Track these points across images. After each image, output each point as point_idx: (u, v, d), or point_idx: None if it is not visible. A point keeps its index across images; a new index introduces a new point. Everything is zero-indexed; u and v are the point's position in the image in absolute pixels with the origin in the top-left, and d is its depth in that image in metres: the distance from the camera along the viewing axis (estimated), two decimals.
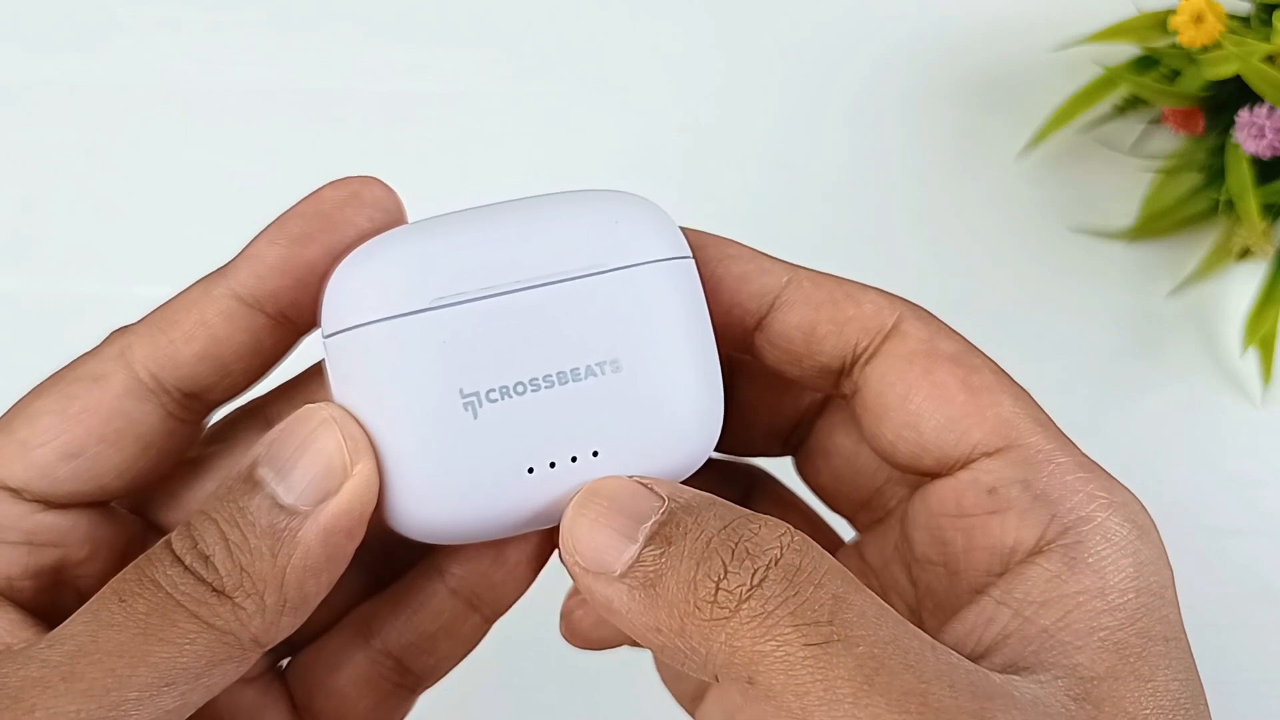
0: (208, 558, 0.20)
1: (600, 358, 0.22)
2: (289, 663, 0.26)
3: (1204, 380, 0.42)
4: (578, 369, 0.22)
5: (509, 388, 0.21)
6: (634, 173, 0.44)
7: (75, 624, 0.20)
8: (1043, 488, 0.22)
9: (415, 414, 0.21)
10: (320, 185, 0.23)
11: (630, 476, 0.22)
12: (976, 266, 0.43)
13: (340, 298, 0.22)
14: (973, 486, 0.22)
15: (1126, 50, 0.42)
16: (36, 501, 0.23)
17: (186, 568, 0.20)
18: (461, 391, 0.21)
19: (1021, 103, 0.43)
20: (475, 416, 0.21)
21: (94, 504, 0.23)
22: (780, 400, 0.27)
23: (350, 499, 0.21)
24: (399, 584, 0.26)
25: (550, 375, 0.22)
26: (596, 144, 0.44)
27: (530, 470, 0.22)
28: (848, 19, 0.45)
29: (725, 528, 0.20)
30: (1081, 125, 0.43)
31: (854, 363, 0.24)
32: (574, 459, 0.22)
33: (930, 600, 0.24)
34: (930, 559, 0.24)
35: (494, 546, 0.25)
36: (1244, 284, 0.42)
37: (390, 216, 0.24)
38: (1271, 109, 0.38)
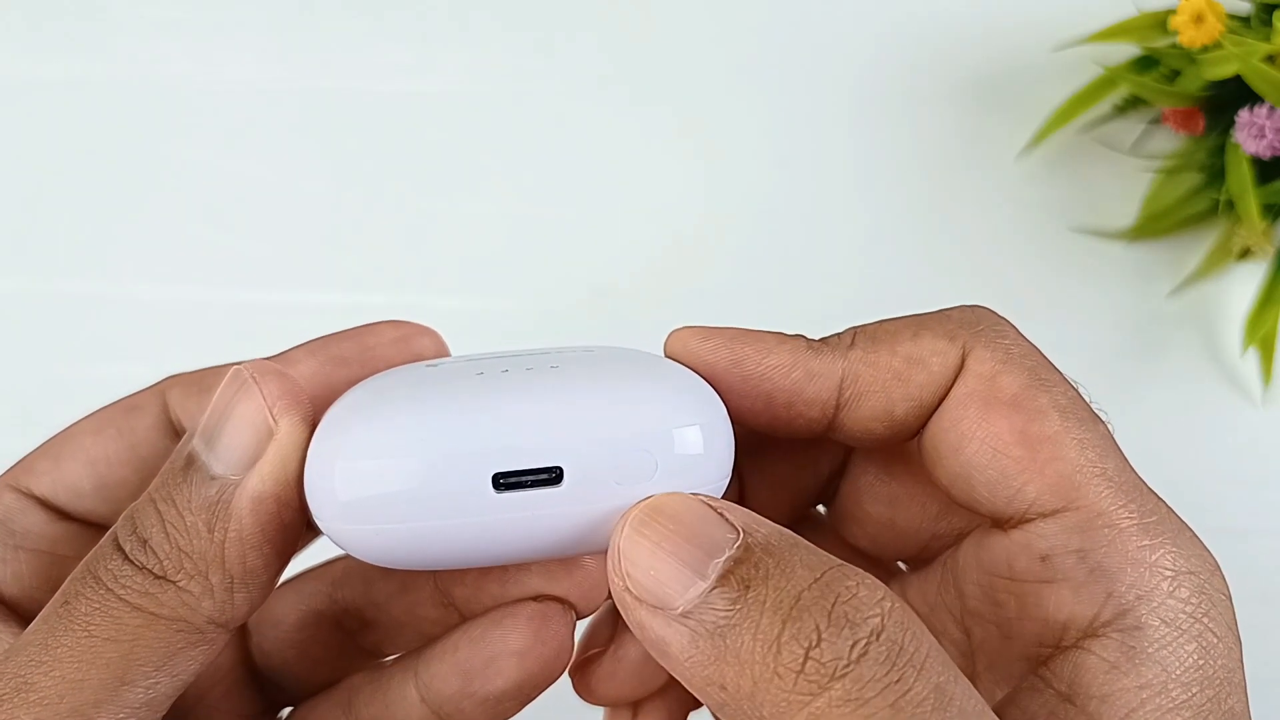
0: (146, 541, 0.19)
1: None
2: (288, 715, 0.26)
3: (1204, 380, 0.42)
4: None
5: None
6: (634, 172, 0.44)
7: (30, 633, 0.20)
8: (1099, 559, 0.20)
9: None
10: (380, 321, 0.23)
11: (696, 495, 0.19)
12: (976, 266, 0.43)
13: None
14: (1025, 550, 0.20)
15: (1126, 50, 0.42)
16: (61, 513, 0.23)
17: (127, 557, 0.19)
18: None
19: (1021, 103, 0.43)
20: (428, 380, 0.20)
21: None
22: (799, 476, 0.25)
23: (273, 461, 0.19)
24: (383, 668, 0.25)
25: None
26: (596, 143, 0.44)
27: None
28: (848, 19, 0.45)
29: (817, 581, 0.17)
30: (1081, 125, 0.43)
31: (931, 413, 0.22)
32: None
33: (984, 657, 0.22)
34: (983, 615, 0.22)
35: (468, 670, 0.23)
36: (1244, 284, 0.42)
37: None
38: (1271, 109, 0.38)
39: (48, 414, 0.24)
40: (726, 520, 0.18)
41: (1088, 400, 0.21)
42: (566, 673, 0.25)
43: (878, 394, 0.21)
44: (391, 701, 0.23)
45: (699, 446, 0.20)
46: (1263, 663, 0.36)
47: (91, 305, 0.42)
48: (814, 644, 0.17)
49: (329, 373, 0.23)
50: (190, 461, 0.20)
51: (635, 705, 0.25)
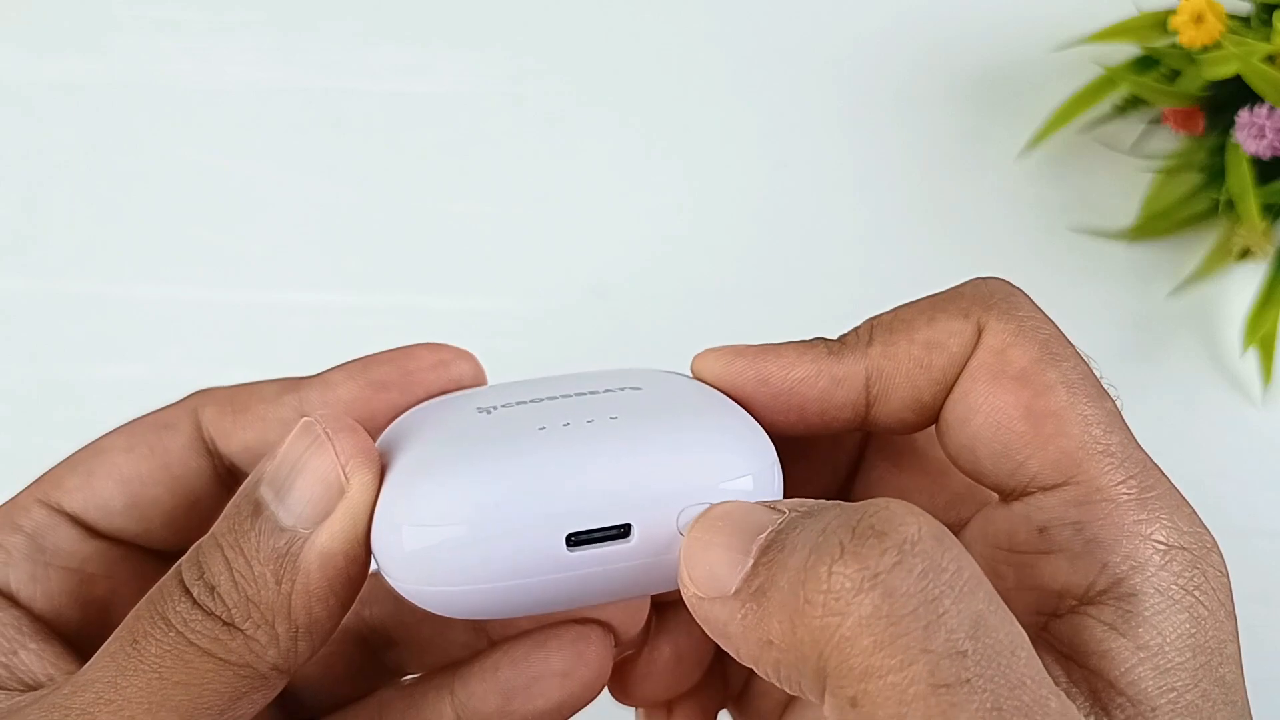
0: (214, 588, 0.20)
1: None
2: None
3: (1204, 380, 0.42)
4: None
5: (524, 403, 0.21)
6: (634, 172, 0.44)
7: (95, 668, 0.20)
8: (1095, 532, 0.20)
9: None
10: (418, 344, 0.23)
11: (743, 501, 0.20)
12: (977, 266, 0.43)
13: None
14: (1025, 523, 0.21)
15: (1126, 50, 0.42)
16: (91, 531, 0.23)
17: (195, 601, 0.20)
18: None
19: (1021, 103, 0.43)
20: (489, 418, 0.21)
21: (143, 549, 0.24)
22: (819, 477, 0.25)
23: (344, 519, 0.19)
24: (415, 685, 0.25)
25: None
26: (596, 143, 0.44)
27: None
28: (847, 19, 0.45)
29: (845, 510, 0.17)
30: (1081, 125, 0.43)
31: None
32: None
33: None
34: None
35: (510, 690, 0.23)
36: (1244, 284, 0.42)
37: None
38: (1271, 109, 0.38)
39: (48, 414, 0.24)
40: (773, 507, 0.19)
41: (1098, 375, 0.21)
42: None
43: (904, 385, 0.22)
44: (426, 718, 0.24)
45: (754, 492, 0.21)
46: (1263, 662, 0.36)
47: (91, 305, 0.42)
48: (838, 557, 0.16)
49: (369, 397, 0.23)
50: (258, 509, 0.20)
51: (669, 705, 0.26)
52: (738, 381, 0.22)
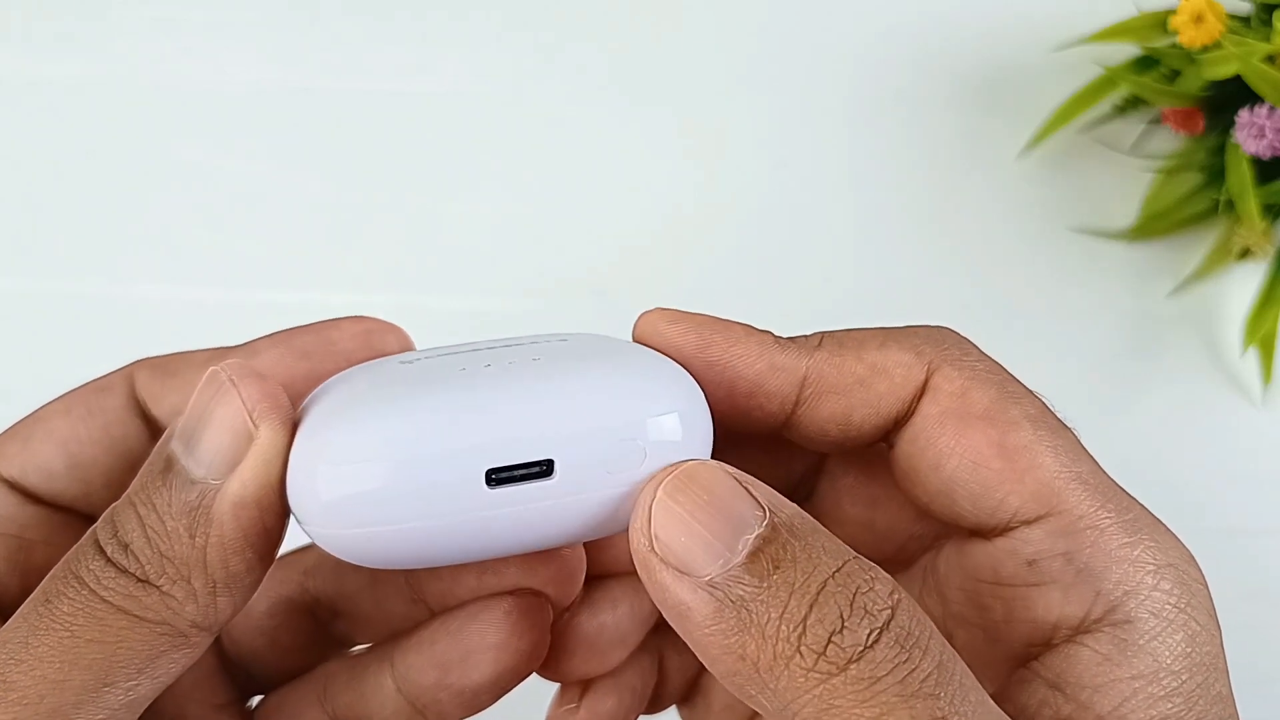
0: (127, 545, 0.19)
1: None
2: (259, 703, 0.26)
3: (1204, 380, 0.42)
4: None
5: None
6: (634, 173, 0.44)
7: (8, 629, 0.19)
8: (1085, 560, 0.20)
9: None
10: (343, 317, 0.23)
11: (720, 465, 0.20)
12: (976, 267, 0.43)
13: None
14: (1011, 556, 0.21)
15: (1126, 50, 0.42)
16: (31, 496, 0.23)
17: (109, 559, 0.19)
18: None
19: (1021, 103, 0.43)
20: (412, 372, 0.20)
21: (83, 515, 0.23)
22: (774, 469, 0.25)
23: (254, 465, 0.19)
24: (359, 657, 0.25)
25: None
26: (596, 144, 0.44)
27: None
28: (848, 19, 0.45)
29: (840, 570, 0.18)
30: (1081, 125, 0.43)
31: (893, 429, 0.22)
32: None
33: (967, 657, 0.22)
34: (968, 619, 0.23)
35: (445, 663, 0.23)
36: (1244, 284, 0.42)
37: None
38: (1271, 109, 0.38)
39: None
40: (753, 497, 0.19)
41: (1052, 409, 0.22)
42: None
43: (838, 396, 0.22)
44: (367, 691, 0.24)
45: (681, 432, 0.20)
46: (1264, 663, 0.36)
47: (91, 305, 0.42)
48: (837, 630, 0.18)
49: (291, 365, 0.23)
50: (169, 464, 0.19)
51: (585, 684, 0.25)
52: (678, 342, 0.22)
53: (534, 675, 0.24)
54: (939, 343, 0.22)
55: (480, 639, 0.23)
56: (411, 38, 0.45)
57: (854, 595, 0.18)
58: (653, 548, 0.19)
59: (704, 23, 0.45)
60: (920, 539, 0.24)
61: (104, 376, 0.24)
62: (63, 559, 0.20)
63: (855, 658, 0.18)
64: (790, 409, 0.22)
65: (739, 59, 0.45)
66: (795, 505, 0.19)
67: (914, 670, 0.18)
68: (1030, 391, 0.22)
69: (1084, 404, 0.41)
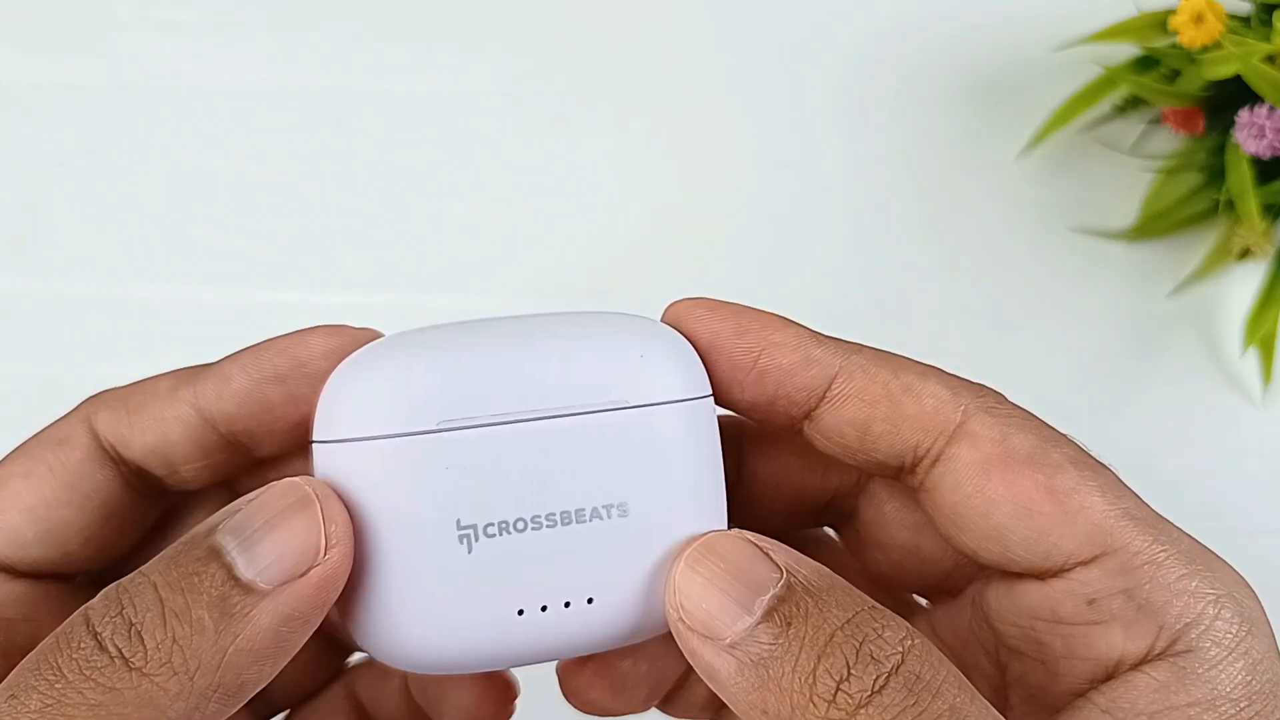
0: (133, 625, 0.18)
1: (608, 500, 0.21)
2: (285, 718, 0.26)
3: (1204, 380, 0.42)
4: (584, 510, 0.20)
5: (509, 524, 0.20)
6: (634, 173, 0.44)
7: None
8: (1146, 596, 0.20)
9: (406, 539, 0.20)
10: (314, 328, 0.23)
11: (739, 533, 0.21)
12: (976, 266, 0.43)
13: (340, 405, 0.20)
14: (1070, 597, 0.21)
15: (1126, 50, 0.42)
16: (5, 571, 0.22)
17: (100, 643, 0.18)
18: (459, 523, 0.20)
19: (1021, 103, 0.43)
20: (469, 551, 0.20)
21: (63, 576, 0.23)
22: (806, 478, 0.25)
23: (317, 586, 0.19)
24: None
25: (555, 515, 0.20)
26: (595, 144, 0.44)
27: (520, 612, 0.20)
28: (847, 19, 0.45)
29: (849, 621, 0.19)
30: (1081, 125, 0.43)
31: (917, 462, 0.22)
32: (567, 604, 0.21)
33: (1022, 689, 0.23)
34: (1024, 653, 0.23)
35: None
36: (1244, 284, 0.42)
37: None
38: (1271, 109, 0.38)
39: (48, 414, 0.24)
40: (771, 560, 0.20)
41: (1089, 450, 0.22)
42: (556, 676, 0.25)
43: (863, 403, 0.22)
44: (386, 687, 0.26)
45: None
46: None
47: (91, 305, 0.42)
48: (844, 677, 0.18)
49: (264, 392, 0.22)
50: (214, 554, 0.19)
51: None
52: (717, 327, 0.22)
53: (533, 675, 0.24)
54: (977, 392, 0.22)
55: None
56: (411, 38, 0.45)
57: (861, 644, 0.19)
58: (680, 616, 0.20)
59: (704, 23, 0.45)
60: (966, 567, 0.24)
61: (58, 425, 0.23)
62: (44, 643, 0.19)
63: (863, 703, 0.18)
64: (814, 405, 0.22)
65: (739, 59, 0.45)
66: (814, 562, 0.20)
67: (922, 713, 0.18)
68: (1065, 435, 0.22)
69: (1084, 404, 0.41)
